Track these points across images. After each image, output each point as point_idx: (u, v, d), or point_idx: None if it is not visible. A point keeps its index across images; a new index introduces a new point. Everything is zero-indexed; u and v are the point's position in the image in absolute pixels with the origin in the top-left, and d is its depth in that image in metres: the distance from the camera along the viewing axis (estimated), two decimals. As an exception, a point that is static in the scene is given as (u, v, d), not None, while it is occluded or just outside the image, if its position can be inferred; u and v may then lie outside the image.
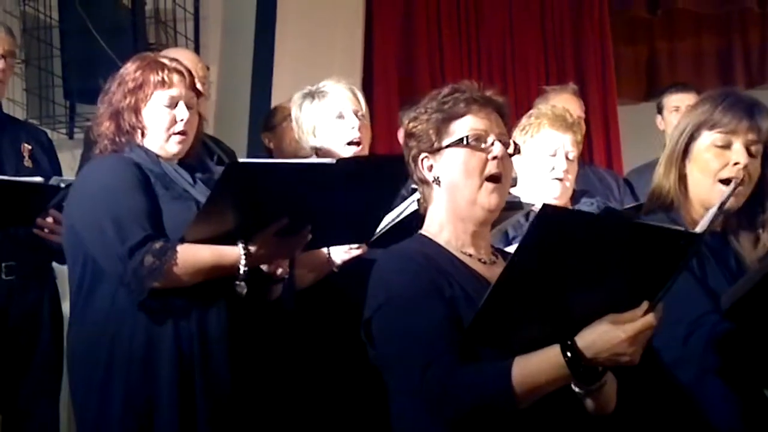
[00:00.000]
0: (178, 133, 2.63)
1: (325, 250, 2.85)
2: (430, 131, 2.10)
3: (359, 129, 3.10)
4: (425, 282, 1.97)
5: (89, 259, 2.51)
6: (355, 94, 3.18)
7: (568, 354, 1.82)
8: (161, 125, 2.61)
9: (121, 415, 2.45)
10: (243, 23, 5.16)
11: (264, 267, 2.60)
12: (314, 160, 2.81)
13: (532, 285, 1.78)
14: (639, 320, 1.80)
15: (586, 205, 3.28)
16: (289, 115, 4.15)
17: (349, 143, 3.09)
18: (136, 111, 2.60)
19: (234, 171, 2.35)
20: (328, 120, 3.12)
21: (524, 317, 1.84)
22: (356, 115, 3.12)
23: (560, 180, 3.24)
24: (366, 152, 3.16)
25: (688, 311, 2.07)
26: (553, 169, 3.23)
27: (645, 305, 1.81)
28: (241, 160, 2.41)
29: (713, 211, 1.87)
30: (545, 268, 1.76)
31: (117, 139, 2.60)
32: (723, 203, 1.93)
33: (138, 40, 4.52)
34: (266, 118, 4.40)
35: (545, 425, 1.93)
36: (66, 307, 3.47)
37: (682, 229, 1.85)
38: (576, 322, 1.83)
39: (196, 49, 4.92)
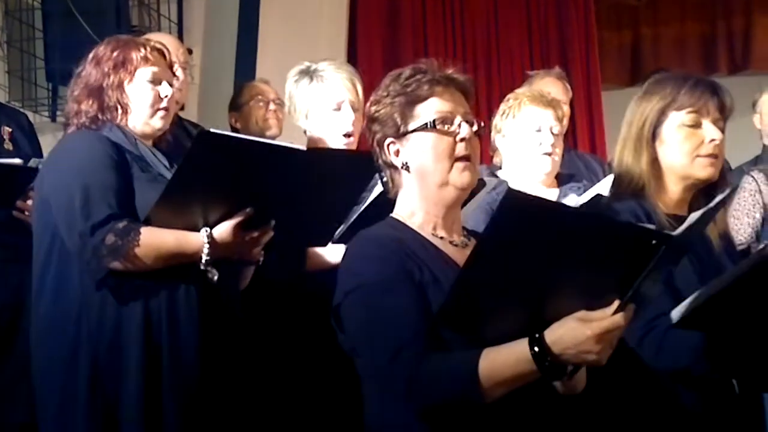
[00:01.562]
0: (162, 108, 2.63)
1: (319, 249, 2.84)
2: (395, 115, 2.06)
3: (353, 123, 3.08)
4: (395, 267, 1.94)
5: (57, 236, 2.48)
6: (355, 85, 3.14)
7: (536, 348, 1.78)
8: (146, 101, 2.61)
9: (87, 396, 2.42)
10: (226, 5, 5.14)
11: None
12: (286, 143, 2.80)
13: (499, 272, 1.75)
14: (606, 319, 1.75)
15: (573, 189, 3.29)
16: (254, 95, 4.17)
17: (343, 135, 3.07)
18: (120, 88, 2.59)
19: (204, 139, 2.31)
20: (324, 108, 3.10)
21: (493, 305, 1.81)
22: (353, 107, 3.10)
23: (549, 154, 3.26)
24: (356, 142, 3.14)
25: (646, 311, 2.07)
26: (541, 144, 3.25)
27: (615, 304, 1.76)
28: (212, 129, 2.37)
29: (696, 215, 1.83)
30: (512, 255, 1.73)
31: (99, 116, 2.59)
32: (709, 209, 1.90)
33: (121, 22, 4.50)
34: (233, 98, 4.39)
35: (515, 410, 1.91)
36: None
37: (653, 227, 1.82)
38: (549, 317, 1.80)
39: (180, 32, 4.90)
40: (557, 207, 1.89)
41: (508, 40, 6.17)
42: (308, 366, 2.87)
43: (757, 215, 3.86)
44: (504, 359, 1.81)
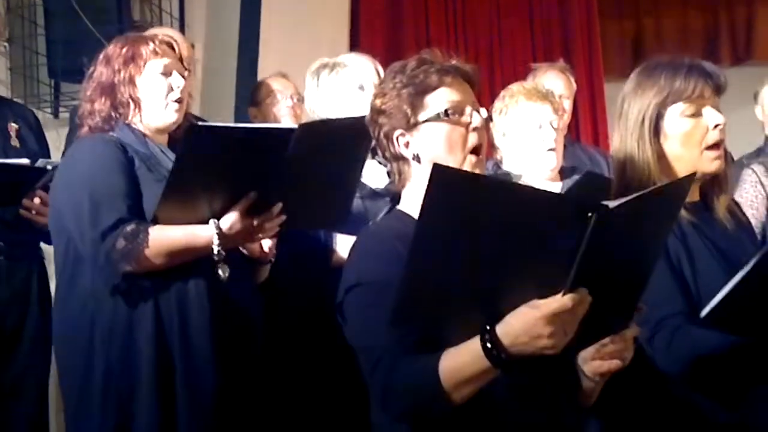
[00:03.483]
0: (176, 101, 2.63)
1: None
2: (404, 107, 2.02)
3: None
4: (395, 267, 1.85)
5: (72, 241, 2.50)
6: (377, 69, 3.14)
7: (487, 344, 1.72)
8: (159, 94, 2.61)
9: (101, 398, 2.45)
10: (229, 1, 5.13)
11: (247, 250, 2.60)
12: (276, 125, 2.79)
13: (441, 259, 1.68)
14: (555, 301, 1.69)
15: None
16: (273, 91, 4.16)
17: None
18: (132, 83, 2.59)
19: (194, 134, 2.31)
20: (348, 90, 3.11)
21: (445, 299, 1.73)
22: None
23: (553, 150, 3.26)
24: None
25: (653, 311, 2.02)
26: (544, 140, 3.25)
27: (563, 288, 1.69)
28: (201, 123, 2.37)
29: (637, 194, 1.80)
30: (450, 238, 1.66)
31: (113, 114, 2.59)
32: (653, 190, 1.84)
33: (123, 18, 4.48)
34: (252, 93, 4.38)
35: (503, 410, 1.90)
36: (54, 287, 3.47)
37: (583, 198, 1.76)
38: (508, 311, 1.74)
39: (181, 27, 4.89)
40: (488, 180, 1.80)
41: (510, 33, 6.16)
42: (321, 365, 2.86)
43: (761, 207, 3.85)
44: (461, 358, 1.76)
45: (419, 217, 1.67)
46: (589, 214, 1.63)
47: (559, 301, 1.69)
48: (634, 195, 1.73)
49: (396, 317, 1.75)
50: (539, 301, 1.70)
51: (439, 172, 1.63)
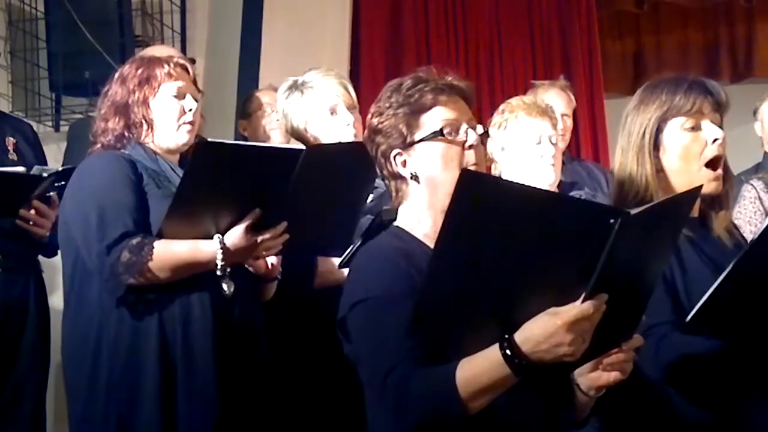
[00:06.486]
0: (188, 122, 2.67)
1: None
2: (400, 126, 2.04)
3: (353, 124, 3.08)
4: (401, 282, 1.90)
5: (79, 254, 2.53)
6: (345, 87, 3.13)
7: (507, 351, 1.73)
8: (171, 116, 2.65)
9: (103, 413, 2.46)
10: (230, 16, 5.14)
11: (253, 267, 2.61)
12: (284, 145, 2.80)
13: (465, 264, 1.70)
14: (575, 308, 1.69)
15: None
16: (263, 104, 4.17)
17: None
18: (145, 104, 2.64)
19: (204, 149, 2.33)
20: (320, 116, 3.09)
21: (462, 309, 1.75)
22: (348, 108, 3.09)
23: (553, 165, 3.27)
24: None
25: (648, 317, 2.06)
26: (542, 156, 3.26)
27: (582, 295, 1.70)
28: (210, 139, 2.38)
29: (660, 200, 1.81)
30: (475, 242, 1.68)
31: (125, 134, 2.64)
32: (676, 196, 1.85)
33: (124, 32, 4.50)
34: (242, 106, 4.40)
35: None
36: (53, 300, 3.48)
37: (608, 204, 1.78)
38: (521, 322, 1.74)
39: (183, 42, 4.91)
40: (515, 185, 1.81)
41: (511, 49, 6.17)
42: (321, 378, 2.87)
43: (759, 223, 3.85)
44: (479, 366, 1.77)
45: (444, 221, 1.69)
46: (611, 220, 1.64)
47: (578, 308, 1.70)
48: (653, 203, 1.74)
49: (415, 325, 1.77)
50: (559, 308, 1.71)
51: (466, 177, 1.65)
